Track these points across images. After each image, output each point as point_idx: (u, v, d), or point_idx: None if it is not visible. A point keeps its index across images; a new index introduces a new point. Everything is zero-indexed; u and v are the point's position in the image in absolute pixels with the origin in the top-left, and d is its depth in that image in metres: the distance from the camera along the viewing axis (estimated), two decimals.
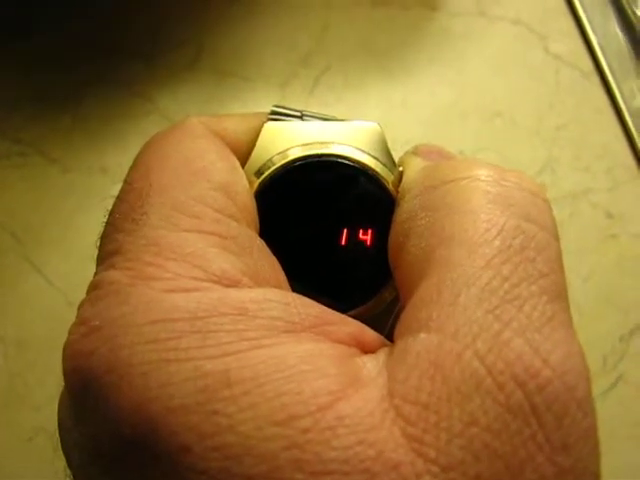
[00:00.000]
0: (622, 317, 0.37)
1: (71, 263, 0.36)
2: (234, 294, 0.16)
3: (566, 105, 0.42)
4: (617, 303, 0.37)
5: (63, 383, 0.16)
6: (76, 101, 0.39)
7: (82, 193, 0.37)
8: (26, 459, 0.31)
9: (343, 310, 0.18)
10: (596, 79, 0.43)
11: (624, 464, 0.34)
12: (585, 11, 0.44)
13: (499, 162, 0.19)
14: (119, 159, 0.38)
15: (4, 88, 0.39)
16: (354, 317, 0.18)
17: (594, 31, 0.44)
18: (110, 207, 0.19)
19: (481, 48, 0.43)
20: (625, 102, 0.42)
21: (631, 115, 0.42)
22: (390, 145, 0.22)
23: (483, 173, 0.18)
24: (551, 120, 0.42)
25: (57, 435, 0.17)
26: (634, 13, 0.44)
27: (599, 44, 0.44)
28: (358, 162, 0.21)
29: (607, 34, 0.44)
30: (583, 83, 0.43)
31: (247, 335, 0.15)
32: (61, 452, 0.17)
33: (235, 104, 0.39)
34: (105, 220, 0.19)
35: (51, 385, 0.33)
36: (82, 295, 0.17)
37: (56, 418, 0.17)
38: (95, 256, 0.19)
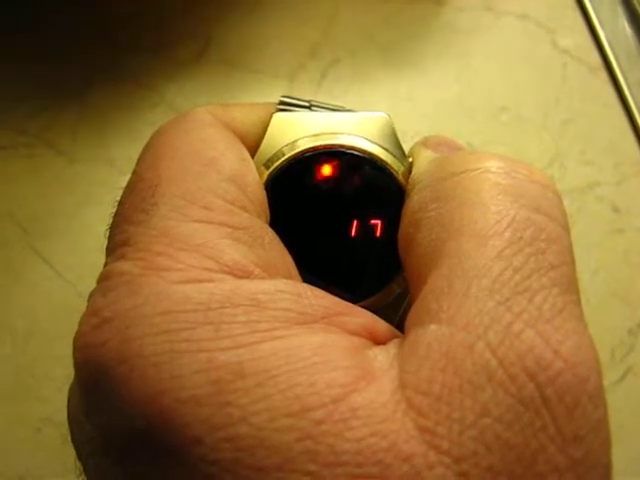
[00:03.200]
0: (630, 310, 0.37)
1: (78, 254, 0.36)
2: (246, 285, 0.16)
3: (573, 100, 0.42)
4: (625, 297, 0.37)
5: (71, 374, 0.16)
6: (83, 92, 0.39)
7: (88, 184, 0.37)
8: (34, 450, 0.31)
9: (353, 301, 0.18)
10: (603, 74, 0.43)
11: (633, 456, 0.34)
12: (593, 5, 0.44)
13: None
14: (126, 151, 0.38)
15: (10, 79, 0.39)
16: (364, 308, 0.18)
17: (602, 26, 0.44)
18: (119, 198, 0.19)
19: (488, 42, 0.43)
20: (632, 97, 0.42)
21: (638, 110, 0.42)
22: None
23: (493, 165, 0.18)
24: (558, 115, 0.42)
25: (66, 426, 0.17)
26: None
27: (607, 39, 0.44)
28: (367, 153, 0.21)
29: (615, 29, 0.44)
30: (590, 78, 0.43)
31: (260, 327, 0.15)
32: (70, 443, 0.17)
33: (243, 96, 0.39)
34: (114, 211, 0.19)
35: (59, 376, 0.33)
36: (89, 285, 0.17)
37: (64, 409, 0.17)
38: (102, 247, 0.19)
